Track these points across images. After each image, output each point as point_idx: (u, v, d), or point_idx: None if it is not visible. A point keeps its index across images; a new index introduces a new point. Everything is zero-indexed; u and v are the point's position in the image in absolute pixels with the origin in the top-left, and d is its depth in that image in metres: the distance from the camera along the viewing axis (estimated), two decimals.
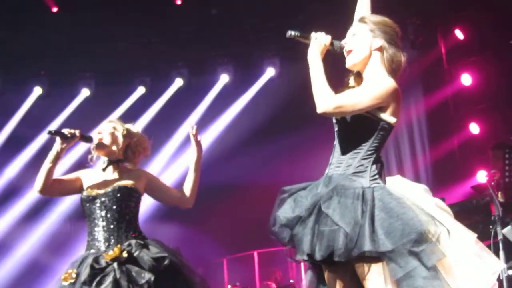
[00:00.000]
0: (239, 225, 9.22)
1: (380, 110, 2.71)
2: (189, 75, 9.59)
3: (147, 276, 3.45)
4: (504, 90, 7.96)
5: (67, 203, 8.90)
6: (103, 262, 3.50)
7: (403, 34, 2.96)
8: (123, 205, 3.71)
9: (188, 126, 4.03)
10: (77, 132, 3.71)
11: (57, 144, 3.67)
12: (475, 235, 2.59)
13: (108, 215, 3.68)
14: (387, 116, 2.72)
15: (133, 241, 3.62)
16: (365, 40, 2.84)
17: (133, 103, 9.53)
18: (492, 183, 5.06)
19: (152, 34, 9.10)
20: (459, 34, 8.39)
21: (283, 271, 9.00)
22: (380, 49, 2.82)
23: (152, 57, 9.36)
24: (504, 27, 7.74)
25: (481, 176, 7.54)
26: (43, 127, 8.44)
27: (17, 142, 9.35)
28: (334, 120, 2.86)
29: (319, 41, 2.84)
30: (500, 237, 4.82)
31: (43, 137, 8.92)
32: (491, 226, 4.95)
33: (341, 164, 2.75)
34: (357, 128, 2.75)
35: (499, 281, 4.42)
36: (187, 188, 3.94)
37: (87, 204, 3.74)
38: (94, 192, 3.74)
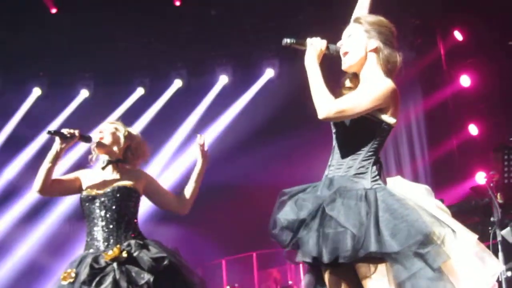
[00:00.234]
0: (238, 226, 9.20)
1: (380, 111, 2.72)
2: (188, 76, 9.59)
3: (147, 277, 3.45)
4: (503, 91, 7.95)
5: (66, 204, 8.88)
6: (102, 262, 3.50)
7: (402, 35, 2.96)
8: (122, 205, 3.71)
9: (197, 137, 3.92)
10: (77, 132, 3.71)
11: (57, 144, 3.66)
12: (476, 236, 2.60)
13: (108, 215, 3.68)
14: (387, 117, 2.73)
15: (132, 241, 3.62)
16: (361, 41, 2.84)
17: (133, 104, 9.52)
18: (491, 184, 5.05)
19: (151, 34, 9.10)
20: (458, 35, 8.39)
21: (281, 273, 8.98)
22: (376, 50, 2.82)
23: (152, 58, 9.35)
24: (503, 28, 7.73)
25: (480, 178, 7.53)
26: (42, 127, 8.41)
27: (16, 142, 9.33)
28: (332, 123, 2.86)
29: (315, 47, 2.84)
30: (499, 238, 4.83)
31: (42, 137, 8.89)
32: (490, 228, 4.95)
33: (341, 166, 2.75)
34: (357, 130, 2.76)
35: (498, 282, 4.42)
36: (185, 196, 3.92)
37: (87, 204, 3.74)
38: (94, 192, 3.74)
